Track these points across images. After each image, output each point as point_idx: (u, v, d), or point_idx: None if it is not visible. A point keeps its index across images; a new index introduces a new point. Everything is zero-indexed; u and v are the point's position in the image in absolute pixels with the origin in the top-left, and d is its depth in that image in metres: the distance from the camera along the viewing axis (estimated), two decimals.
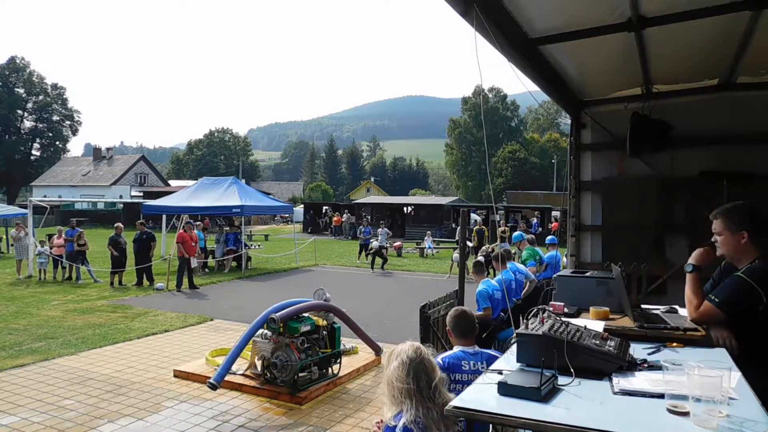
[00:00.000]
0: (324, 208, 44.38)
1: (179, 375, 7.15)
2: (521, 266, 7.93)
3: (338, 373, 7.02)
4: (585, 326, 2.51)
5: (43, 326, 9.92)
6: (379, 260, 19.35)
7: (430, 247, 25.21)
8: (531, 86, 4.36)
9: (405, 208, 40.65)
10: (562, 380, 2.11)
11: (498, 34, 3.39)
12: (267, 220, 50.28)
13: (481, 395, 2.04)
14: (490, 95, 78.44)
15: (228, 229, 19.79)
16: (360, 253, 21.84)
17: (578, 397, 1.98)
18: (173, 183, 63.97)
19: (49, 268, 16.19)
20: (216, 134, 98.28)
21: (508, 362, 2.44)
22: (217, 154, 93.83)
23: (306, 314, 6.85)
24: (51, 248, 16.00)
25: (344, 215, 36.59)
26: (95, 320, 10.48)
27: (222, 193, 19.15)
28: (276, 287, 15.06)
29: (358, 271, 18.83)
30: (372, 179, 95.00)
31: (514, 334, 2.72)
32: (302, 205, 46.48)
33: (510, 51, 3.75)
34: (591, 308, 3.24)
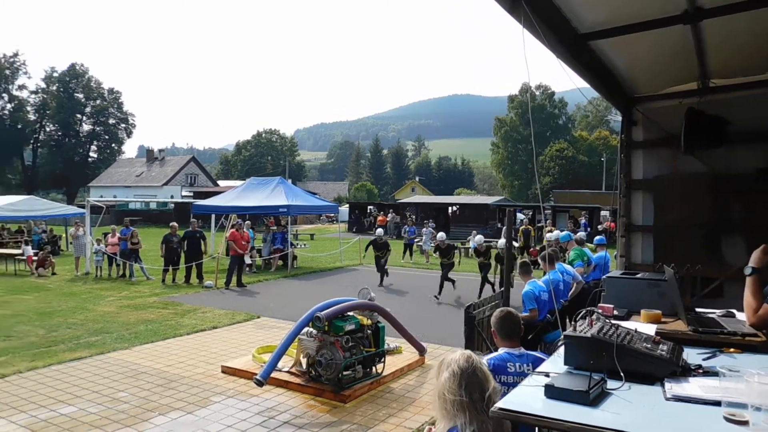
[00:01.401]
0: (369, 207, 44.54)
1: (227, 371, 7.31)
2: (568, 267, 7.77)
3: (382, 372, 7.03)
4: (636, 329, 2.44)
5: (99, 321, 10.30)
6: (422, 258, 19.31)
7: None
8: (580, 83, 4.27)
9: (450, 208, 40.41)
10: (611, 384, 2.05)
11: (546, 31, 3.33)
12: (313, 219, 50.87)
13: (527, 397, 2.00)
14: (537, 93, 77.17)
15: (275, 228, 20.11)
16: (404, 252, 21.86)
17: (628, 402, 1.92)
18: (222, 183, 65.40)
19: (105, 266, 16.81)
20: (263, 135, 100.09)
21: (555, 365, 2.39)
22: (264, 155, 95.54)
23: (350, 313, 6.89)
24: (106, 246, 16.60)
25: (389, 215, 36.64)
26: (147, 316, 10.82)
27: (269, 193, 19.48)
28: (321, 286, 15.22)
29: (403, 271, 18.82)
30: (417, 179, 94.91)
31: (562, 336, 2.66)
32: (347, 205, 46.76)
33: (558, 47, 3.67)
34: (642, 311, 3.14)
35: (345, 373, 6.47)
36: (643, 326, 2.75)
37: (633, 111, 5.73)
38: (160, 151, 68.54)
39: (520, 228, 21.56)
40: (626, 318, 3.17)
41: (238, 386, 6.79)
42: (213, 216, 21.55)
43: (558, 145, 68.93)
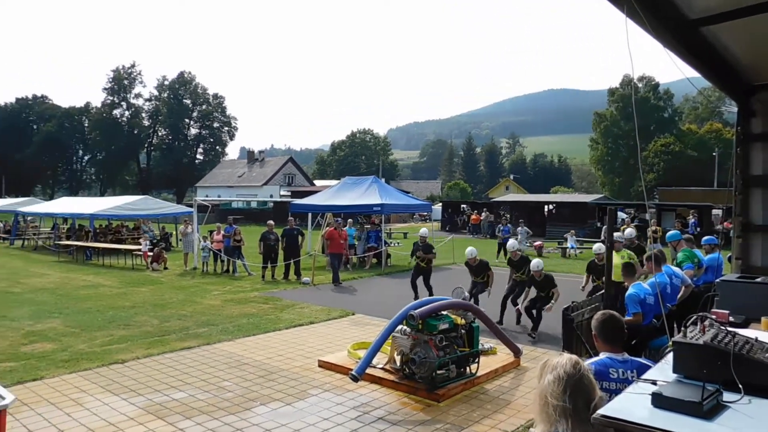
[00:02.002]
0: (462, 206, 44.21)
1: (323, 365, 7.51)
2: (677, 269, 7.30)
3: (476, 372, 6.95)
4: (756, 338, 2.25)
5: (205, 313, 10.93)
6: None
7: (572, 247, 24.12)
8: (689, 72, 3.99)
9: (546, 207, 39.27)
10: (728, 396, 1.91)
11: (651, 19, 3.14)
12: (406, 218, 51.12)
13: (632, 405, 1.91)
14: (640, 84, 73.07)
15: (369, 227, 20.42)
16: (498, 252, 21.46)
17: (749, 417, 1.78)
18: (318, 183, 67.32)
19: (210, 261, 17.80)
20: (357, 135, 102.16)
21: (662, 372, 2.26)
22: (358, 154, 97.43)
23: (444, 312, 6.87)
24: (212, 243, 17.57)
25: (482, 213, 36.18)
26: (249, 310, 11.35)
27: (363, 192, 19.83)
28: None
29: (497, 271, 18.48)
30: (511, 177, 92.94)
31: (670, 343, 2.50)
32: (440, 204, 46.67)
33: (665, 36, 3.46)
34: (763, 318, 2.90)
35: (438, 372, 6.45)
36: (764, 335, 2.53)
37: (751, 101, 5.29)
38: (260, 152, 71.58)
39: (622, 228, 20.58)
40: (744, 326, 2.94)
41: (334, 380, 6.96)
42: (310, 214, 22.24)
43: (663, 140, 64.93)
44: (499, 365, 7.40)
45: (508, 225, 22.48)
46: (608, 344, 3.23)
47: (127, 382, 6.79)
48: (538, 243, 24.86)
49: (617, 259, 8.13)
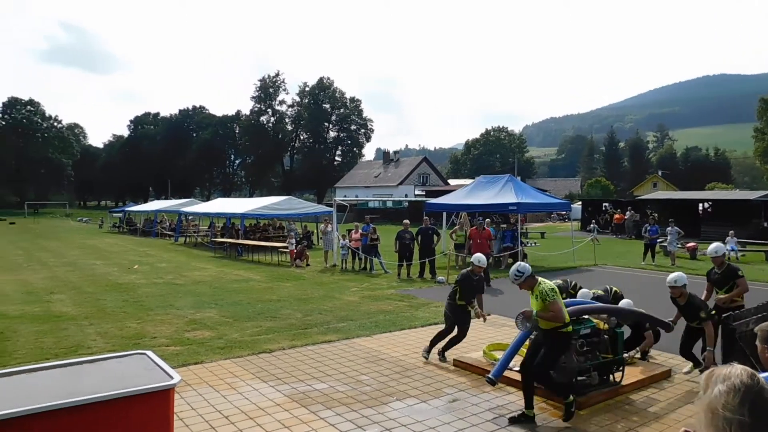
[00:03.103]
0: (604, 204, 41.92)
1: (458, 365, 7.50)
2: None
3: (620, 381, 6.56)
4: None
5: (344, 309, 11.38)
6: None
7: (733, 249, 21.85)
8: None
9: (700, 205, 35.98)
10: None
11: None
12: (543, 217, 49.52)
13: None
14: None
15: (504, 226, 20.05)
16: (645, 254, 20.04)
17: None
18: (452, 182, 67.30)
19: (349, 259, 18.50)
20: (492, 133, 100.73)
21: None
22: (493, 153, 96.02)
23: (586, 316, 6.56)
24: (350, 241, 18.27)
25: (627, 212, 34.00)
26: (385, 307, 11.63)
27: (498, 191, 19.49)
28: None
29: (642, 274, 17.28)
30: (659, 173, 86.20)
31: None
32: (580, 202, 44.57)
33: None
34: None
35: (579, 378, 6.19)
36: None
37: None
38: (395, 152, 73.07)
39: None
40: None
41: (469, 381, 6.93)
42: (444, 213, 22.29)
43: None
44: (645, 375, 6.92)
45: (656, 225, 20.86)
46: None
47: (274, 371, 7.27)
48: (691, 244, 22.85)
49: (533, 301, 6.15)
